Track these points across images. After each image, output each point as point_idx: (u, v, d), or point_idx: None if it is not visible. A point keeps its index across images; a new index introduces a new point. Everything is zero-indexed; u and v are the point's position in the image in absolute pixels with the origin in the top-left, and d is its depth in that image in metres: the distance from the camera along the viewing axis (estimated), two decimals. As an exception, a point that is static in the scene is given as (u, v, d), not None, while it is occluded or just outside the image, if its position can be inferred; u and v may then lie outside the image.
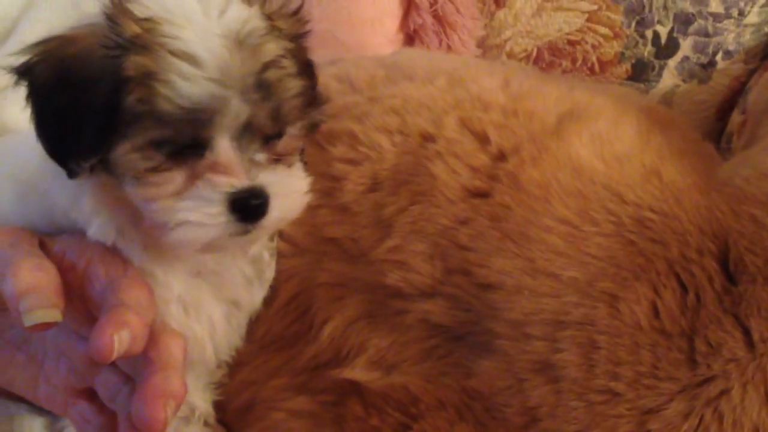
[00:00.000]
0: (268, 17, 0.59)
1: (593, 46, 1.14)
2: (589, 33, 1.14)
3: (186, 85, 0.53)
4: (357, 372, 0.69)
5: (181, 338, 0.56)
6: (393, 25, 1.15)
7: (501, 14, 1.16)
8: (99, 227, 0.59)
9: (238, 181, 0.55)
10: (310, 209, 0.62)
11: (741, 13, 1.11)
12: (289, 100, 0.58)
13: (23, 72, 0.56)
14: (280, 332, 0.73)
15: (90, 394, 0.58)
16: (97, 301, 0.56)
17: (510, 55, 1.17)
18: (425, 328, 0.68)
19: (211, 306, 0.65)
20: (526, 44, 1.16)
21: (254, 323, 0.72)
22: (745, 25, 1.11)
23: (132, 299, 0.54)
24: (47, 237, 0.60)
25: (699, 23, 1.12)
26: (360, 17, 1.12)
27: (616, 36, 1.14)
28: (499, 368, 0.65)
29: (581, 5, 1.14)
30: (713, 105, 1.14)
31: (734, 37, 1.12)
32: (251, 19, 0.57)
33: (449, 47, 1.14)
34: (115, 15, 0.55)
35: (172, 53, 0.53)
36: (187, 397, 0.56)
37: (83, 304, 0.57)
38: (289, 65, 0.58)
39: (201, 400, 0.69)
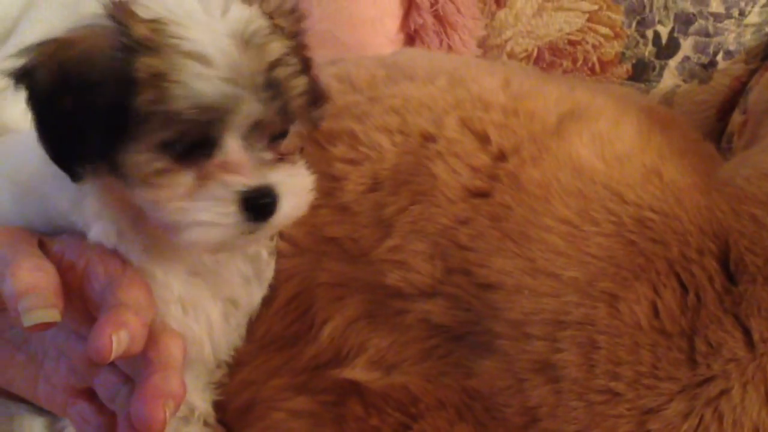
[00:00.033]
0: (269, 16, 0.59)
1: (594, 46, 1.14)
2: (589, 33, 1.14)
3: (199, 85, 0.53)
4: (357, 372, 0.69)
5: (180, 338, 0.56)
6: (393, 25, 1.15)
7: (502, 14, 1.16)
8: (101, 230, 0.59)
9: (248, 180, 0.55)
10: (311, 209, 0.62)
11: (742, 13, 1.11)
12: (295, 98, 0.58)
13: (21, 76, 0.56)
14: (280, 332, 0.73)
15: (90, 394, 0.58)
16: (96, 300, 0.56)
17: (510, 55, 1.17)
18: (425, 328, 0.68)
19: (209, 305, 0.65)
20: (526, 44, 1.16)
21: (254, 323, 0.72)
22: (746, 25, 1.11)
23: (131, 299, 0.54)
24: (46, 237, 0.60)
25: (700, 23, 1.12)
26: (360, 17, 1.12)
27: (616, 36, 1.14)
28: (499, 368, 0.65)
29: (582, 5, 1.14)
30: (714, 105, 1.14)
31: (735, 37, 1.12)
32: (254, 18, 0.58)
33: (450, 47, 1.14)
34: (121, 16, 0.55)
35: (183, 54, 0.54)
36: (187, 397, 0.56)
37: (82, 304, 0.57)
38: (294, 63, 0.58)
39: (200, 400, 0.69)
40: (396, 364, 0.69)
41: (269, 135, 0.58)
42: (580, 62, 1.15)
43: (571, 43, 1.15)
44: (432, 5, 1.13)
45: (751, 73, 1.12)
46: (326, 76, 0.77)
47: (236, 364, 0.73)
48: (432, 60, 0.92)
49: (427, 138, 0.74)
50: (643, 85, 1.14)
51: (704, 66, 1.13)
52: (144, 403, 0.51)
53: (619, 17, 1.14)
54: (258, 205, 0.56)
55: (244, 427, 0.74)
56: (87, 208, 0.59)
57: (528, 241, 0.67)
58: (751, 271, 0.63)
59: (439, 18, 1.14)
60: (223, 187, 0.55)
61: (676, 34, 1.13)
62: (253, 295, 0.70)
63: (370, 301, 0.70)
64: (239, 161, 0.56)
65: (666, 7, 1.12)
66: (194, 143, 0.55)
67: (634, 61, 1.14)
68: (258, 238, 0.61)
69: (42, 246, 0.59)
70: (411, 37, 1.15)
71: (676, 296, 0.63)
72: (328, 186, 0.73)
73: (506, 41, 1.17)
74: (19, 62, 0.56)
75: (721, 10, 1.11)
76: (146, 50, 0.54)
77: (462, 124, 0.74)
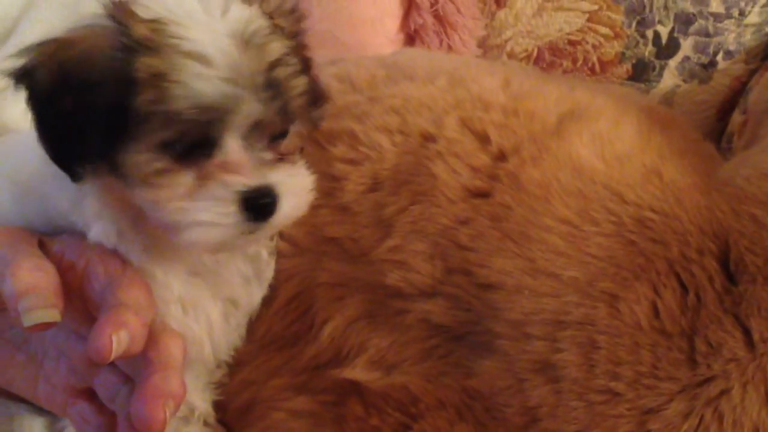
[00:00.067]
0: (269, 16, 0.59)
1: (594, 46, 1.14)
2: (589, 33, 1.14)
3: (199, 85, 0.53)
4: (357, 372, 0.69)
5: (180, 338, 0.56)
6: (393, 25, 1.15)
7: (502, 14, 1.16)
8: (101, 230, 0.59)
9: (249, 180, 0.55)
10: (311, 209, 0.62)
11: (741, 13, 1.11)
12: (295, 98, 0.58)
13: (21, 76, 0.56)
14: (280, 332, 0.73)
15: (89, 394, 0.58)
16: (96, 300, 0.56)
17: (511, 55, 1.17)
18: (425, 328, 0.68)
19: (209, 305, 0.65)
20: (526, 44, 1.16)
21: (254, 323, 0.72)
22: (746, 25, 1.11)
23: (131, 299, 0.54)
24: (46, 237, 0.60)
25: (700, 23, 1.12)
26: (360, 17, 1.12)
27: (616, 36, 1.14)
28: (499, 368, 0.65)
29: (582, 5, 1.14)
30: (714, 105, 1.14)
31: (735, 37, 1.12)
32: (254, 18, 0.58)
33: (450, 47, 1.14)
34: (121, 16, 0.55)
35: (183, 54, 0.54)
36: (187, 397, 0.56)
37: (82, 304, 0.57)
38: (294, 63, 0.58)
39: (200, 400, 0.69)
40: (396, 364, 0.69)
41: (269, 135, 0.58)
42: (580, 62, 1.15)
43: (571, 43, 1.15)
44: (432, 5, 1.13)
45: (751, 73, 1.12)
46: (326, 76, 0.77)
47: (236, 364, 0.73)
48: (432, 60, 0.92)
49: (427, 138, 0.74)
50: (643, 85, 1.14)
51: (704, 66, 1.13)
52: (144, 403, 0.51)
53: (619, 17, 1.14)
54: (258, 205, 0.56)
55: (244, 427, 0.74)
56: (87, 208, 0.59)
57: (528, 241, 0.67)
58: (751, 271, 0.63)
59: (439, 18, 1.14)
60: (223, 187, 0.55)
61: (676, 34, 1.13)
62: (253, 295, 0.70)
63: (370, 301, 0.70)
64: (239, 161, 0.56)
65: (666, 7, 1.12)
66: (194, 143, 0.55)
67: (634, 61, 1.14)
68: (258, 238, 0.61)
69: (42, 246, 0.59)
70: (411, 37, 1.15)
71: (676, 296, 0.63)
72: (328, 186, 0.73)
73: (506, 41, 1.17)
74: (19, 62, 0.56)
75: (721, 10, 1.11)
76: (146, 50, 0.54)
77: (462, 124, 0.74)
